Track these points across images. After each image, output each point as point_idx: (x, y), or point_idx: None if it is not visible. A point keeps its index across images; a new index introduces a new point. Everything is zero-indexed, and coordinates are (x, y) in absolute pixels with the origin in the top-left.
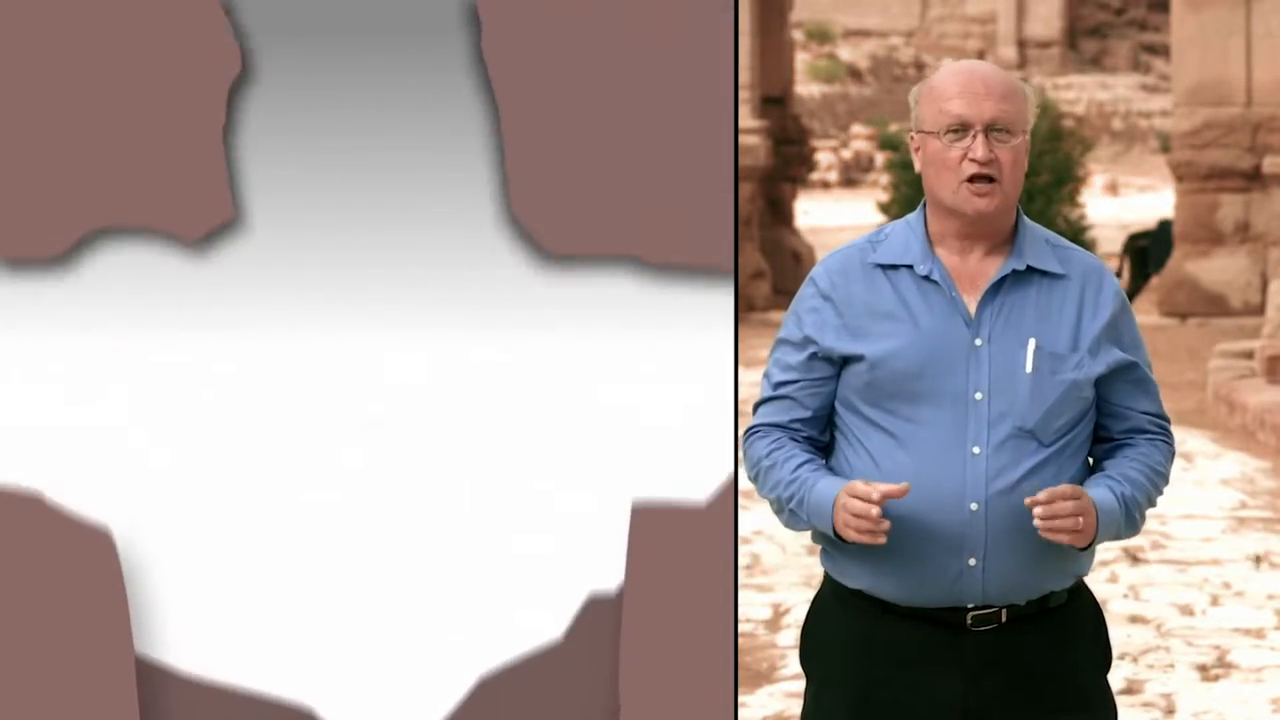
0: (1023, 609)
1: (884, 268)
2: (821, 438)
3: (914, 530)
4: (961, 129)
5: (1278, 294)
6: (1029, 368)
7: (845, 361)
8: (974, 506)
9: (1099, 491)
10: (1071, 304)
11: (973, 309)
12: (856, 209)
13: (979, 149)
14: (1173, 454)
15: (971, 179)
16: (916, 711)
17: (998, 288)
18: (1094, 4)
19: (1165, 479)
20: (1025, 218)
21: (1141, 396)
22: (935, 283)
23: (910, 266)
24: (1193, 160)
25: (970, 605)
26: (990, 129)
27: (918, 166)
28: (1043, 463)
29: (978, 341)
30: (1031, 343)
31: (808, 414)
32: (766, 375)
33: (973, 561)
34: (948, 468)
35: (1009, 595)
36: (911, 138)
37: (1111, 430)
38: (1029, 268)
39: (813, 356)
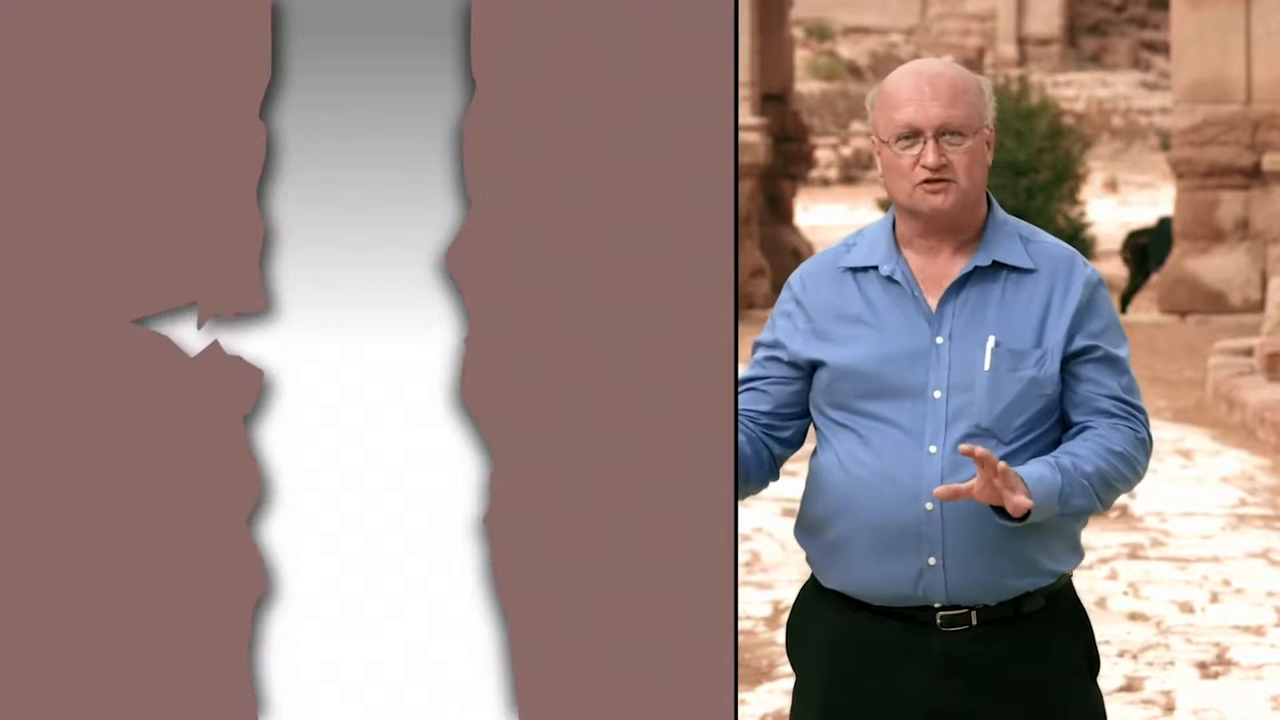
0: (994, 610)
1: (854, 271)
2: (780, 426)
3: (876, 530)
4: (912, 136)
5: (1277, 291)
6: (987, 365)
7: (813, 366)
8: (929, 506)
9: (1030, 467)
10: (1038, 299)
11: (935, 307)
12: (856, 206)
13: (929, 155)
14: (1140, 440)
15: (924, 181)
16: (884, 709)
17: (961, 285)
18: (1094, 1)
19: (1130, 462)
20: (998, 211)
21: (1103, 377)
22: (898, 283)
23: (876, 268)
24: (1192, 158)
25: (937, 605)
26: (940, 134)
27: (879, 170)
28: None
29: (939, 340)
30: (991, 340)
31: (767, 406)
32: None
33: (933, 560)
34: (905, 467)
35: (975, 596)
36: (873, 141)
37: (1071, 417)
38: (995, 263)
39: (775, 359)
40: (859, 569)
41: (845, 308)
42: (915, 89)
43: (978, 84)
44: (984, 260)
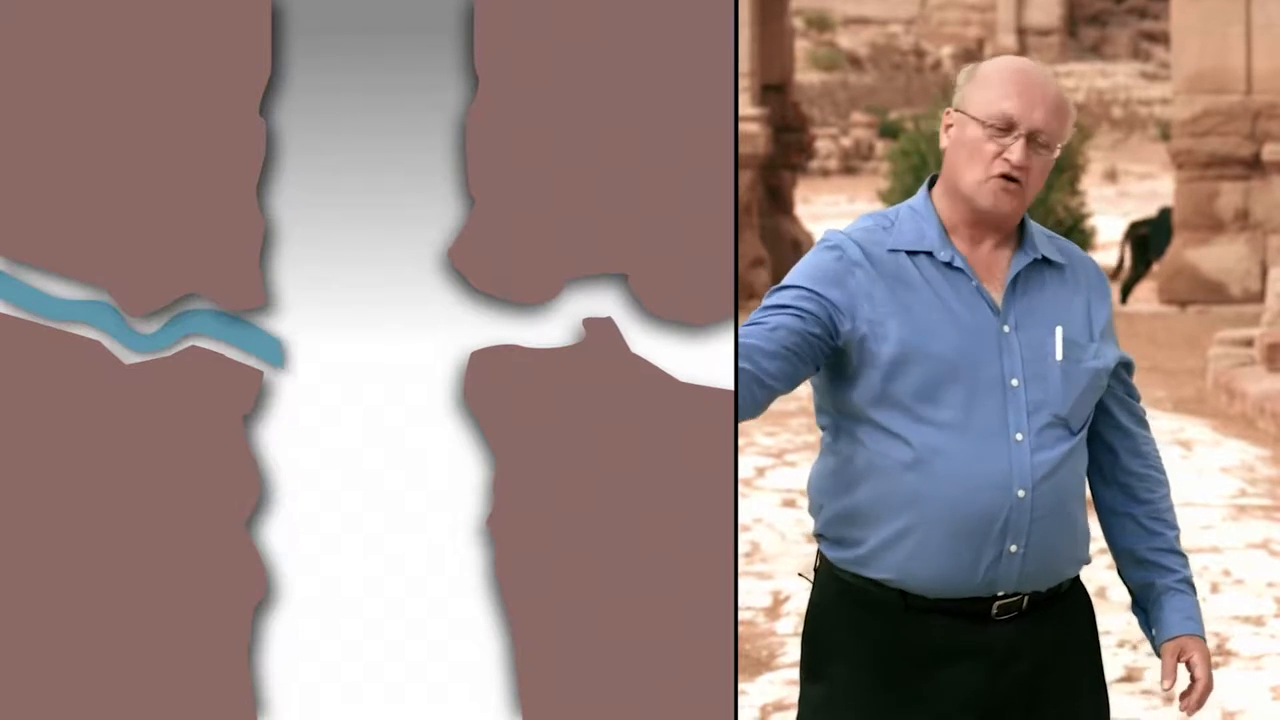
0: (1040, 595)
1: (906, 253)
2: (767, 366)
3: (960, 518)
4: (1006, 128)
5: (1277, 281)
6: (1059, 355)
7: (868, 340)
8: (1021, 493)
9: (1188, 615)
10: (1080, 295)
11: (996, 296)
12: (856, 197)
13: (1016, 152)
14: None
15: (1001, 175)
16: (939, 706)
17: (1017, 275)
18: None
19: (1168, 486)
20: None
21: (1132, 385)
22: (959, 270)
23: (930, 253)
24: (1192, 148)
25: (999, 594)
26: (1033, 137)
27: (944, 143)
28: (1072, 450)
29: (1005, 328)
30: (1059, 330)
31: (772, 344)
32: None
33: (1014, 548)
34: (994, 454)
35: (1037, 581)
36: (948, 113)
37: (1120, 419)
38: (1043, 258)
39: (816, 300)
40: (928, 558)
41: (911, 288)
42: (1027, 85)
43: (1071, 106)
44: (1036, 254)
